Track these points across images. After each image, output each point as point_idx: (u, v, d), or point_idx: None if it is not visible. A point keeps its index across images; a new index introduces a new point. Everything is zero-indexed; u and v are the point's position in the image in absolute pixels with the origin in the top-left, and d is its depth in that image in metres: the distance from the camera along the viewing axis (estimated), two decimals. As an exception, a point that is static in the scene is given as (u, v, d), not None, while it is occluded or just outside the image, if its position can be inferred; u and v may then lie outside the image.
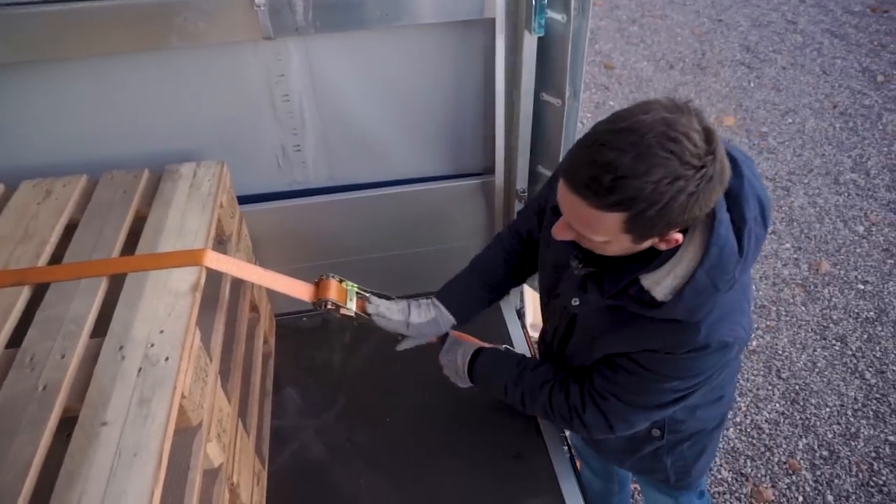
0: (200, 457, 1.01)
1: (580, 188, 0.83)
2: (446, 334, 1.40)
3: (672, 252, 0.91)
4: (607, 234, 0.86)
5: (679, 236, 0.88)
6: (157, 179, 1.45)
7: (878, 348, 2.66)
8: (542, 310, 1.33)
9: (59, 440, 0.90)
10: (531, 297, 2.72)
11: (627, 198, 0.79)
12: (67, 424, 0.91)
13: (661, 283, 0.92)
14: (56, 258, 1.22)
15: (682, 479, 1.41)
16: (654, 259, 0.93)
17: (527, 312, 2.75)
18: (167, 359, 0.99)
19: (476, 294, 1.37)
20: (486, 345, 1.39)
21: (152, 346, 1.01)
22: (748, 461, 2.28)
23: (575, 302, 1.05)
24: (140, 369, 0.98)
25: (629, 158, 0.78)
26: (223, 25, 1.39)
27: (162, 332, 1.04)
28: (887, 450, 2.29)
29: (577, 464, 1.94)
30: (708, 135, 0.79)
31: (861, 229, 3.26)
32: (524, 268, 1.38)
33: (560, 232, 0.94)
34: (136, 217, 1.34)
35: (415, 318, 1.32)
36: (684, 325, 0.96)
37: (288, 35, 1.45)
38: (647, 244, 0.90)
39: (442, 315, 1.34)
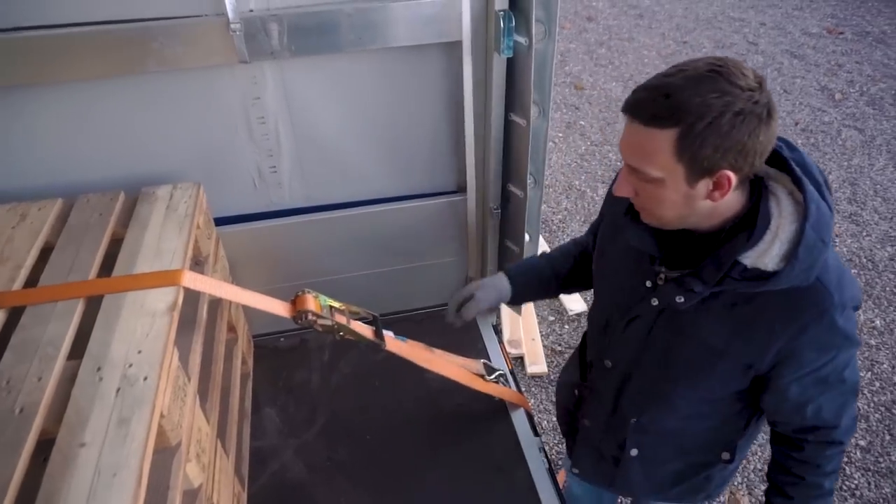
0: (180, 477, 1.01)
1: (635, 110, 0.86)
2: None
3: (765, 227, 0.90)
4: (662, 164, 0.86)
5: (731, 176, 0.85)
6: (134, 202, 1.46)
7: (845, 356, 2.73)
8: (592, 347, 1.28)
9: (37, 463, 0.89)
10: (508, 314, 2.76)
11: (677, 109, 0.81)
12: (45, 447, 0.91)
13: (767, 254, 0.89)
14: (31, 281, 1.22)
15: (715, 492, 1.37)
16: (725, 242, 0.93)
17: (504, 329, 2.78)
18: (146, 378, 0.99)
19: (542, 275, 1.39)
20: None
21: (130, 366, 1.02)
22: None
23: (679, 299, 0.98)
24: (118, 389, 0.98)
25: (679, 79, 0.83)
26: (199, 50, 1.42)
27: (140, 352, 1.04)
28: (858, 454, 2.34)
29: (559, 477, 1.96)
30: (756, 74, 0.84)
31: (825, 241, 3.36)
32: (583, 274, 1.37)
33: (620, 186, 0.95)
34: (112, 239, 1.35)
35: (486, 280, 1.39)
36: (809, 292, 0.91)
37: (263, 59, 1.48)
38: (700, 187, 0.87)
39: (502, 282, 1.37)
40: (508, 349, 2.74)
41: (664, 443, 1.24)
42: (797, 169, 0.92)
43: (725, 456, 1.22)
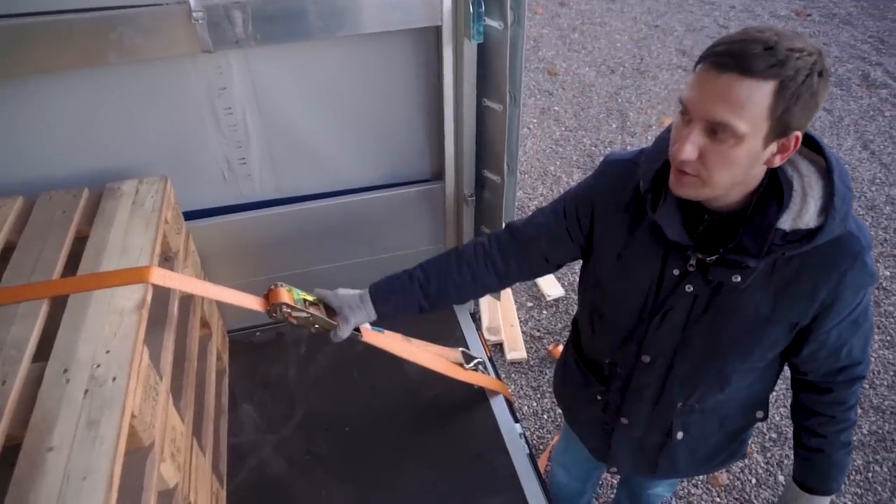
0: (154, 477, 0.99)
1: (733, 59, 0.83)
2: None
3: (790, 189, 0.92)
4: (752, 118, 0.84)
5: (799, 137, 0.87)
6: (98, 198, 1.42)
7: (817, 333, 2.79)
8: (614, 351, 1.22)
9: (3, 469, 0.87)
10: (486, 300, 2.76)
11: (781, 62, 0.82)
12: (12, 452, 0.88)
13: (804, 213, 0.92)
14: (-8, 283, 1.18)
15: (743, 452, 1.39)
16: (754, 215, 0.95)
17: (483, 317, 2.79)
18: (114, 379, 0.97)
19: (418, 295, 1.27)
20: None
21: (98, 366, 0.99)
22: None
23: (736, 279, 0.98)
24: (86, 391, 0.95)
25: (771, 35, 0.83)
26: (161, 40, 1.37)
27: (108, 352, 1.02)
28: (830, 429, 2.40)
29: (540, 463, 1.97)
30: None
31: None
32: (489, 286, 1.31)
33: (686, 147, 0.88)
34: (76, 237, 1.31)
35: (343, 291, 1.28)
36: (842, 241, 0.94)
37: (228, 48, 1.44)
38: (770, 148, 0.88)
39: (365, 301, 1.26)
40: (487, 336, 2.75)
41: (709, 419, 1.24)
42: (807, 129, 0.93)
43: (759, 414, 1.26)
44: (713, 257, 1.00)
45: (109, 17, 1.32)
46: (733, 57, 0.83)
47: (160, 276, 1.16)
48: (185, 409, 1.28)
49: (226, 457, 1.55)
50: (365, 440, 1.60)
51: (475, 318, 2.05)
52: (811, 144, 0.95)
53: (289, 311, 1.23)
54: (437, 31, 1.54)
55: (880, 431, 2.37)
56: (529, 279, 1.28)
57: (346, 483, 1.51)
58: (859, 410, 2.44)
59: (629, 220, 1.09)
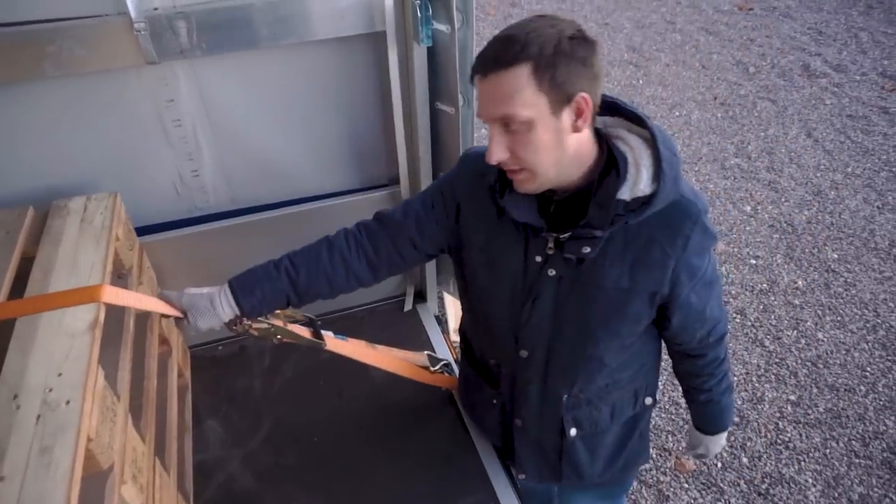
0: (115, 500, 0.96)
1: (487, 64, 0.92)
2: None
3: (624, 161, 1.00)
4: (527, 100, 0.91)
5: (587, 98, 0.93)
6: (44, 217, 1.38)
7: (772, 317, 2.87)
8: (494, 349, 1.28)
9: (-49, 503, 0.84)
10: (452, 303, 2.77)
11: (524, 45, 0.90)
12: (-41, 485, 0.85)
13: (639, 182, 0.98)
14: (-67, 310, 1.14)
15: (646, 452, 1.43)
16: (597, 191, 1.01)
17: (449, 318, 2.79)
18: (68, 402, 0.94)
19: (286, 286, 1.21)
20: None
21: (50, 390, 0.96)
22: (669, 436, 2.40)
23: (586, 250, 1.03)
24: (39, 416, 0.93)
25: (511, 28, 0.93)
26: (102, 52, 1.34)
27: (60, 374, 0.99)
28: (789, 409, 2.48)
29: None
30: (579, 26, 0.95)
31: (748, 209, 3.52)
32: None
33: (494, 150, 0.96)
34: (22, 258, 1.27)
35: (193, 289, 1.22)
36: (679, 207, 1.01)
37: (173, 59, 1.42)
38: (565, 118, 0.94)
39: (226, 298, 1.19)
40: (454, 338, 2.75)
41: (598, 410, 1.28)
42: (628, 106, 1.03)
43: (648, 401, 1.33)
44: (566, 234, 1.05)
45: (46, 30, 1.29)
46: (486, 60, 0.93)
47: (112, 295, 1.13)
48: (146, 429, 1.25)
49: (191, 474, 1.52)
50: (334, 449, 1.59)
51: (440, 321, 2.06)
52: (637, 121, 1.03)
53: (249, 322, 1.22)
54: (382, 36, 1.54)
55: (835, 409, 2.46)
56: (401, 269, 1.28)
57: (318, 493, 1.50)
58: (815, 389, 2.53)
59: (489, 211, 1.13)
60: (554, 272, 1.09)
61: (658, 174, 0.98)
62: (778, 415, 2.46)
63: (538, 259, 1.09)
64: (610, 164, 1.01)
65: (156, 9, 1.35)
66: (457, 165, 1.22)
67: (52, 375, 0.99)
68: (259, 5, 1.41)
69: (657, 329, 1.21)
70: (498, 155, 0.97)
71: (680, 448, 2.36)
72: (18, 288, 1.19)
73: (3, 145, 1.44)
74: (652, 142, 1.00)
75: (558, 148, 0.96)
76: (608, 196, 0.99)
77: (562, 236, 1.05)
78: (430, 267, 2.02)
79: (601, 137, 1.03)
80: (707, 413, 1.36)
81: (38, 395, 0.96)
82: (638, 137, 1.02)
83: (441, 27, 1.46)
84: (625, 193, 0.99)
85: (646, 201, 0.98)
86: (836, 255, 3.18)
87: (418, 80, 1.58)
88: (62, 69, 1.33)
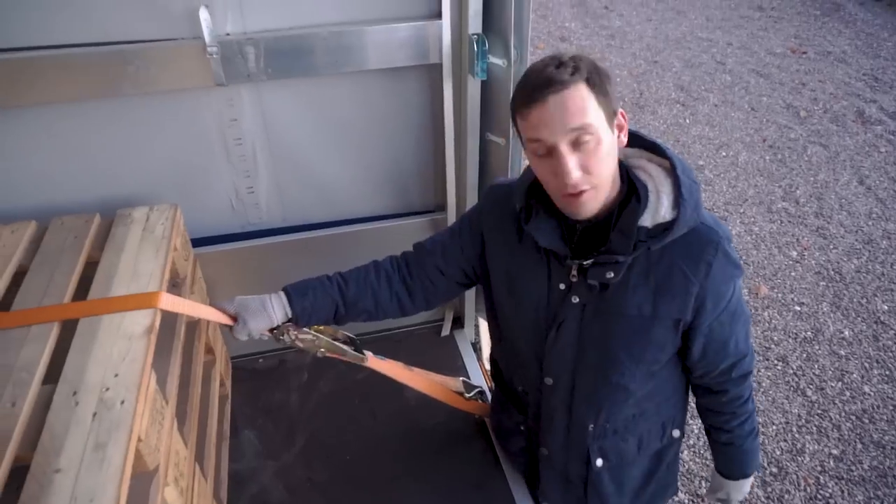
0: (158, 501, 0.99)
1: (547, 86, 0.94)
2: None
3: (644, 189, 1.03)
4: (592, 111, 0.95)
5: (624, 112, 1.01)
6: (109, 224, 1.45)
7: (816, 366, 2.79)
8: (522, 376, 1.30)
9: (11, 490, 0.88)
10: (486, 330, 2.77)
11: (574, 65, 0.95)
12: (20, 474, 0.89)
13: (660, 208, 1.01)
14: (4, 306, 1.20)
15: (675, 483, 1.43)
16: (619, 219, 1.04)
17: (483, 346, 2.79)
18: (123, 402, 0.98)
19: (336, 297, 1.27)
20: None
21: (107, 390, 1.01)
22: (702, 482, 2.34)
23: (609, 275, 1.04)
24: (95, 414, 0.97)
25: (552, 57, 0.98)
26: (176, 73, 1.42)
27: (117, 375, 1.03)
28: (831, 463, 2.39)
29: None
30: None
31: (794, 254, 3.45)
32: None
33: (571, 171, 0.96)
34: (87, 262, 1.33)
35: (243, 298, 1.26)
36: (700, 234, 1.03)
37: (240, 82, 1.49)
38: (615, 130, 1.00)
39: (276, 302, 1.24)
40: (488, 366, 2.75)
41: (625, 441, 1.27)
42: (647, 136, 1.08)
43: (676, 433, 1.32)
44: (590, 261, 1.07)
45: (127, 51, 1.38)
46: (538, 87, 0.95)
47: (169, 302, 1.18)
48: (189, 434, 1.29)
49: (227, 483, 1.56)
50: (365, 468, 1.61)
51: (476, 347, 2.07)
52: (657, 150, 1.07)
53: (295, 332, 1.25)
54: (439, 68, 1.59)
55: (881, 467, 2.36)
56: (436, 296, 1.33)
57: (346, 511, 1.51)
58: (859, 445, 2.44)
59: (514, 239, 1.16)
60: (577, 299, 1.10)
61: (678, 201, 1.01)
62: (819, 469, 2.38)
63: (562, 286, 1.11)
64: (630, 193, 1.05)
65: (228, 34, 1.43)
66: (484, 194, 1.27)
67: (109, 375, 1.03)
68: (323, 34, 1.48)
69: (681, 358, 1.21)
70: (576, 173, 0.97)
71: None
72: (83, 290, 1.25)
73: (78, 156, 1.53)
74: (672, 170, 1.03)
75: (615, 161, 1.01)
76: (630, 223, 1.02)
77: (585, 262, 1.07)
78: (469, 294, 2.04)
79: (621, 168, 1.06)
80: (729, 456, 1.33)
81: (95, 394, 1.00)
82: (658, 167, 1.05)
83: (497, 61, 1.51)
84: (646, 220, 1.02)
85: (667, 227, 1.01)
86: (886, 307, 3.08)
87: (470, 112, 1.62)
88: (139, 88, 1.41)
